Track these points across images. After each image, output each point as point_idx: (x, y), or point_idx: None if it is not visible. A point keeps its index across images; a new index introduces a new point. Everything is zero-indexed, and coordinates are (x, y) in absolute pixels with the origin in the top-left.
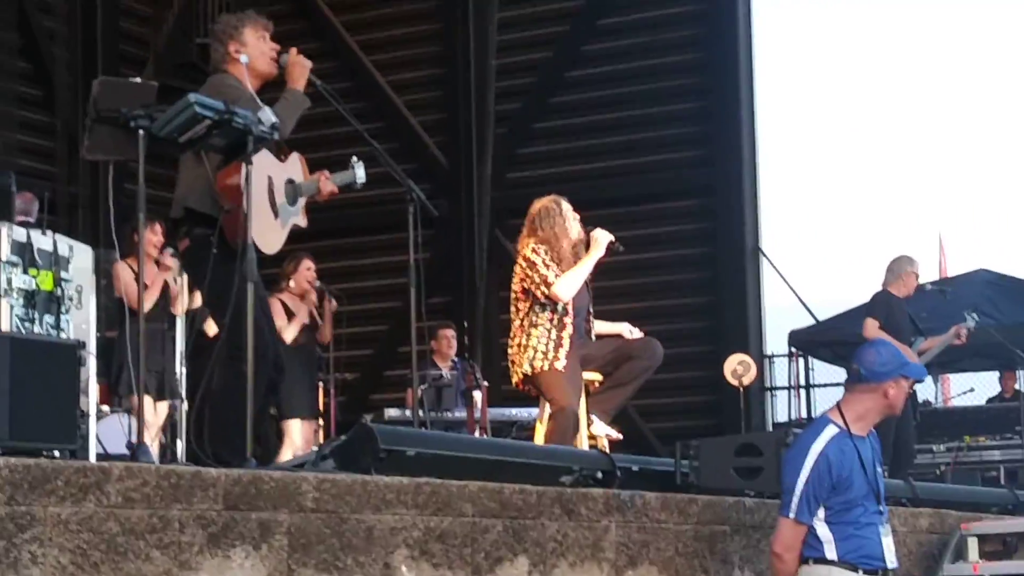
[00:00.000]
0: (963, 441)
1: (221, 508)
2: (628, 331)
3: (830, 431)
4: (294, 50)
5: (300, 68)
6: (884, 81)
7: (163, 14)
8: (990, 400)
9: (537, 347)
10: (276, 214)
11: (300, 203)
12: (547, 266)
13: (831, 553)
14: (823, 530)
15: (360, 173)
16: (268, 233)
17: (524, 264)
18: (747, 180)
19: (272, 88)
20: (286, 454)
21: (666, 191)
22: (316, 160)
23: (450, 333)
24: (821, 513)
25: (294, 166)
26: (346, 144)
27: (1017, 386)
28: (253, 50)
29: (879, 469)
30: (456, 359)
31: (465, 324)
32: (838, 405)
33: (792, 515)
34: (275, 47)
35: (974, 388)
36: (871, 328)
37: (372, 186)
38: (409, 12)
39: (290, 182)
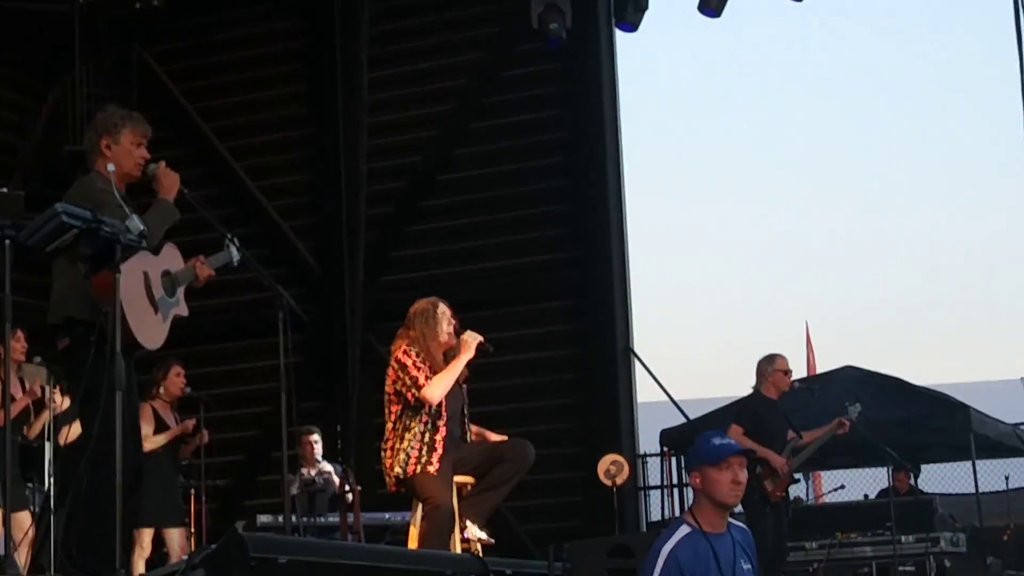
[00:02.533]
0: (835, 538)
1: None
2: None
3: (682, 531)
4: (163, 163)
5: (170, 179)
6: (751, 176)
7: (32, 123)
8: (880, 494)
9: (410, 451)
10: (156, 308)
11: (179, 292)
12: (418, 368)
13: None
14: None
15: (235, 252)
16: (150, 328)
17: (396, 366)
18: (617, 281)
19: (141, 193)
20: (138, 564)
21: (537, 293)
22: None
23: (312, 438)
24: None
25: (169, 256)
26: (216, 250)
27: (912, 482)
28: (121, 152)
29: (744, 566)
30: (328, 462)
31: (338, 428)
32: (691, 506)
33: None
34: (145, 155)
35: (844, 485)
36: (735, 435)
37: (243, 291)
38: (279, 118)
39: (166, 274)
